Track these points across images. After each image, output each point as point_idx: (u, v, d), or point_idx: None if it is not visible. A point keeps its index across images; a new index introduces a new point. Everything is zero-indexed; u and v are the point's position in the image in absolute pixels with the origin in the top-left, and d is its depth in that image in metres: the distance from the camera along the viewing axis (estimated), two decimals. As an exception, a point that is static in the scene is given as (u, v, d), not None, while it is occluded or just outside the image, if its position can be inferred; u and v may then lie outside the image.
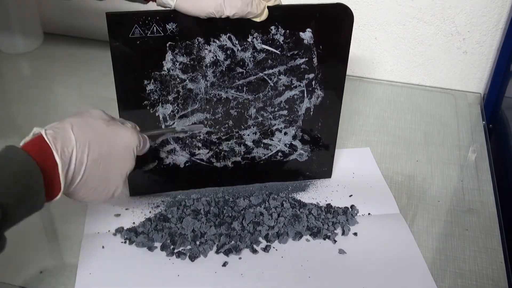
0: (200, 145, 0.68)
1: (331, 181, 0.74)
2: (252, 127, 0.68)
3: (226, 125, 0.68)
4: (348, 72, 1.00)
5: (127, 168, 0.56)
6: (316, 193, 0.72)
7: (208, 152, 0.69)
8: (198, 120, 0.67)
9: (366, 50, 0.97)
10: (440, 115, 0.90)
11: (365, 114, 0.89)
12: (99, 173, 0.53)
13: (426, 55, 0.95)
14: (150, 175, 0.69)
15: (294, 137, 0.70)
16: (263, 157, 0.71)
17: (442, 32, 0.92)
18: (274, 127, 0.69)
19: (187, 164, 0.70)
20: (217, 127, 0.67)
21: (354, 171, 0.76)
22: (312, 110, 0.69)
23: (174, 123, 0.66)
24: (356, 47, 0.97)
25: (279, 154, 0.71)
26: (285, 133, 0.70)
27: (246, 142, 0.69)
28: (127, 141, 0.55)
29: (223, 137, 0.68)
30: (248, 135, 0.69)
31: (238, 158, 0.70)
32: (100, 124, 0.53)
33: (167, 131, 0.66)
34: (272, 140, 0.70)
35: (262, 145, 0.70)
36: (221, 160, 0.70)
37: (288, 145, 0.71)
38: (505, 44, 0.88)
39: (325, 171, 0.74)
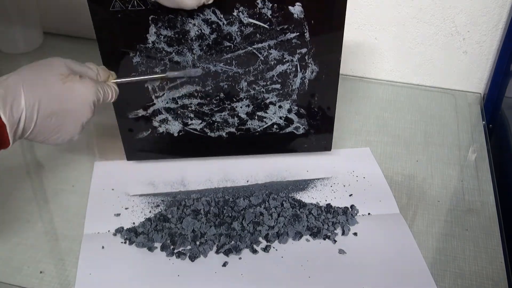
0: (192, 115, 0.68)
1: (331, 180, 0.74)
2: (244, 99, 0.67)
3: (218, 98, 0.67)
4: (348, 72, 1.00)
5: (83, 119, 0.56)
6: (316, 193, 0.72)
7: (201, 123, 0.68)
8: (188, 92, 0.66)
9: (366, 50, 0.97)
10: (440, 115, 0.90)
11: (365, 114, 0.89)
12: (51, 127, 0.54)
13: (426, 55, 0.95)
14: (145, 142, 0.69)
15: (289, 111, 0.69)
16: (258, 129, 0.70)
17: (442, 32, 0.92)
18: (268, 100, 0.68)
19: (180, 134, 0.69)
20: (208, 99, 0.66)
21: (354, 170, 0.76)
22: (306, 84, 0.67)
23: (164, 94, 0.65)
24: (356, 47, 0.97)
25: (275, 126, 0.70)
26: (280, 106, 0.69)
27: (239, 114, 0.69)
28: (83, 97, 0.54)
29: (215, 109, 0.67)
30: (241, 107, 0.68)
31: (233, 129, 0.70)
32: (54, 80, 0.53)
33: (152, 78, 0.65)
34: (266, 113, 0.69)
35: (256, 117, 0.69)
36: (215, 131, 0.69)
37: (283, 118, 0.69)
38: (505, 44, 0.87)
39: (324, 145, 0.73)
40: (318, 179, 0.75)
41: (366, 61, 0.98)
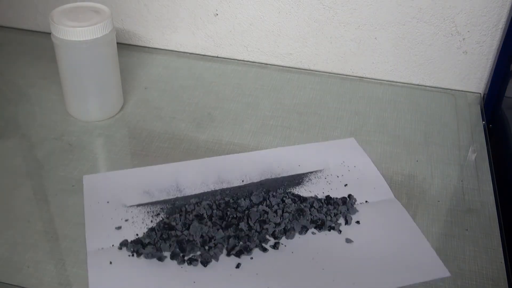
0: None
1: (324, 172, 0.75)
2: None
3: None
4: (348, 72, 1.00)
5: None
6: (312, 186, 0.72)
7: None
8: None
9: (366, 50, 0.97)
10: (440, 115, 0.90)
11: (365, 114, 0.89)
12: None
13: (426, 55, 0.95)
14: None
15: None
16: None
17: (442, 32, 0.92)
18: None
19: None
20: None
21: (344, 161, 0.76)
22: None
23: None
24: (356, 47, 0.97)
25: None
26: None
27: None
28: None
29: None
30: None
31: None
32: None
33: None
34: None
35: None
36: None
37: None
38: (505, 44, 0.87)
39: None
40: (311, 172, 0.75)
41: (366, 61, 0.98)
